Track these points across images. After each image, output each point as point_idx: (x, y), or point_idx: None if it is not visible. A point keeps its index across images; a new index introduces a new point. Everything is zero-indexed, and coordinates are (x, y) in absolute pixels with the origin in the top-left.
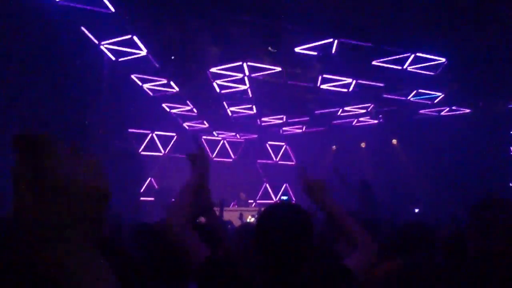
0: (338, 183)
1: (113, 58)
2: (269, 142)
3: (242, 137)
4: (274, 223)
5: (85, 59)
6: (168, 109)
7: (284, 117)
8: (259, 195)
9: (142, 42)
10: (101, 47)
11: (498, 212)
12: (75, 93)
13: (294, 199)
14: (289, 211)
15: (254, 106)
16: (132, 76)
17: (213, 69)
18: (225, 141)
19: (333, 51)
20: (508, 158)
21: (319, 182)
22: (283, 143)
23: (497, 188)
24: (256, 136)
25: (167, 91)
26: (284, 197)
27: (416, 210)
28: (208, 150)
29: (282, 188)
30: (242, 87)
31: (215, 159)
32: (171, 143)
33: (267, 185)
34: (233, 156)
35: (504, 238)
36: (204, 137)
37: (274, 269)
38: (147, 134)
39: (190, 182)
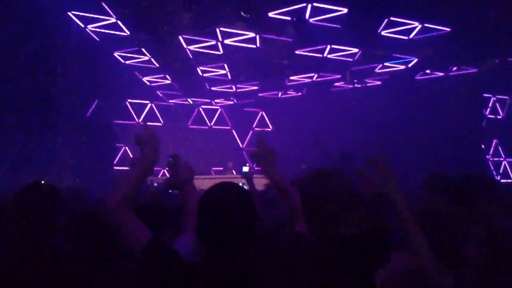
0: (319, 152)
1: (82, 25)
2: (245, 109)
3: (217, 104)
4: (215, 206)
5: (54, 28)
6: (141, 77)
7: (259, 83)
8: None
9: (110, 9)
10: (70, 14)
11: None
12: (43, 62)
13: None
14: (230, 192)
15: (228, 73)
16: (103, 44)
17: (186, 36)
18: (200, 109)
19: (307, 16)
20: (480, 121)
21: (267, 151)
22: (259, 110)
23: (470, 150)
24: (232, 102)
25: (139, 58)
26: (246, 168)
27: None
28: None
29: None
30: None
31: (190, 127)
32: (145, 111)
33: (244, 152)
34: (209, 124)
35: None
36: (174, 101)
37: (216, 252)
38: (120, 103)
39: (137, 167)
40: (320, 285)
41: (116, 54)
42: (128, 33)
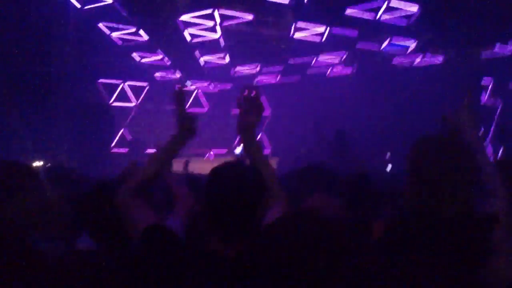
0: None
1: (79, 6)
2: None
3: (215, 88)
4: (221, 186)
5: (50, 9)
6: (138, 59)
7: (259, 65)
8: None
9: None
10: None
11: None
12: (39, 45)
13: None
14: (237, 171)
15: (227, 55)
16: (100, 25)
17: (183, 17)
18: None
19: None
20: (478, 108)
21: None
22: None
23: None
24: (230, 86)
25: (137, 40)
26: (238, 149)
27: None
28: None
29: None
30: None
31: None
32: (144, 93)
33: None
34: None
35: None
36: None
37: (224, 234)
38: (117, 85)
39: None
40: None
41: (113, 35)
42: (124, 14)
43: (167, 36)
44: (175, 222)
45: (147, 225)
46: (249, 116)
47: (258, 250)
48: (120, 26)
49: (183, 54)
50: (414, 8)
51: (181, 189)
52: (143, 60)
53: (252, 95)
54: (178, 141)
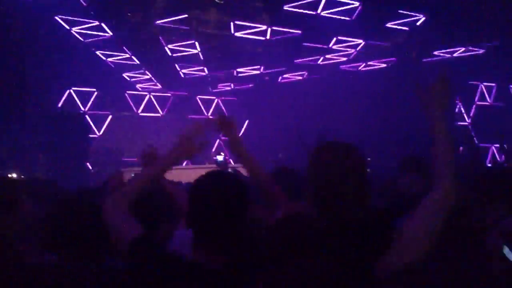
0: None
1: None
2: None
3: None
4: (204, 196)
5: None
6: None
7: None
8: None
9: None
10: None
11: None
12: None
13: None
14: (220, 182)
15: (205, 68)
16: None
17: (159, 22)
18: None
19: None
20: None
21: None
22: (235, 98)
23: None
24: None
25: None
26: (220, 157)
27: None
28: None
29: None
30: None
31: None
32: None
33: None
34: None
35: None
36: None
37: (206, 242)
38: (92, 93)
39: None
40: (317, 271)
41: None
42: (97, 22)
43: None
44: (183, 233)
45: (133, 237)
46: (228, 134)
47: (245, 261)
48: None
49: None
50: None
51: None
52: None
53: (222, 120)
54: (175, 158)
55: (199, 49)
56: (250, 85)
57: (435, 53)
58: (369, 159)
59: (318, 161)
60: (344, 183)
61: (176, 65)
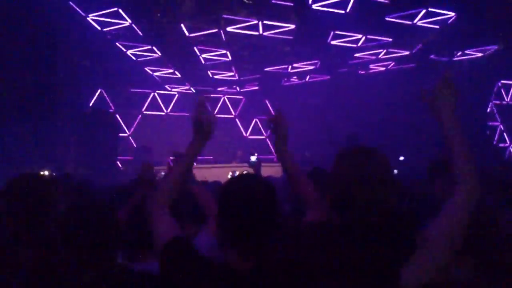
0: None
1: (83, 14)
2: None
3: (220, 93)
4: (236, 200)
5: (55, 17)
6: (143, 67)
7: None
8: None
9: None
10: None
11: None
12: (45, 53)
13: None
14: (252, 185)
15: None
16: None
17: (187, 23)
18: (225, 98)
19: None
20: (485, 107)
21: (283, 121)
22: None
23: (475, 136)
24: (235, 90)
25: (142, 47)
26: (253, 158)
27: (401, 158)
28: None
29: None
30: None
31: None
32: (148, 101)
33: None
34: (233, 113)
35: None
36: (177, 90)
37: (237, 247)
38: (122, 92)
39: (189, 153)
40: (342, 277)
41: (118, 44)
42: (130, 22)
43: (171, 41)
44: (207, 236)
45: (168, 238)
46: (278, 131)
47: (274, 263)
48: (124, 33)
49: (187, 59)
50: None
51: (209, 199)
52: (148, 68)
53: (277, 116)
54: (196, 145)
55: (230, 57)
56: (276, 85)
57: (467, 51)
58: (402, 158)
59: (342, 166)
60: (366, 188)
61: (209, 72)
